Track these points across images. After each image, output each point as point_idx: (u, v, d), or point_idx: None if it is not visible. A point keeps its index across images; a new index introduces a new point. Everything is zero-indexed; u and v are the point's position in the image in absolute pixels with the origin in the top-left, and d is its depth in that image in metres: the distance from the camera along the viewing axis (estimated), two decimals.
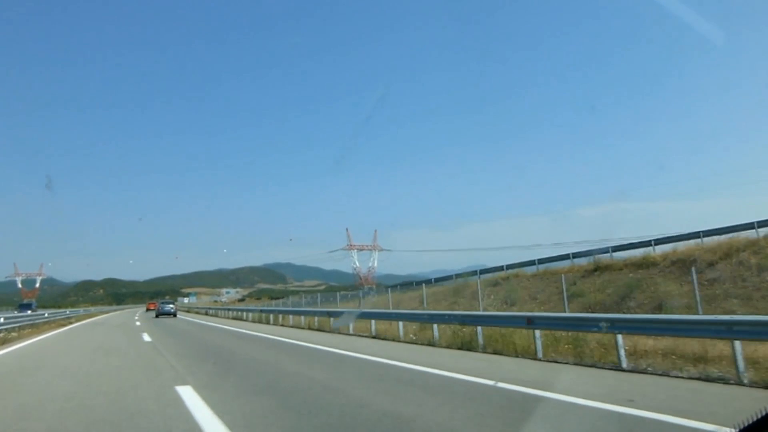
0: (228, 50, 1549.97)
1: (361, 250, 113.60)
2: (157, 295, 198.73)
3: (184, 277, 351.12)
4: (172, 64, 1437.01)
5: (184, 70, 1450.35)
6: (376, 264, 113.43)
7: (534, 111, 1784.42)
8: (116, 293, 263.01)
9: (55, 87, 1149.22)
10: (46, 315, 31.12)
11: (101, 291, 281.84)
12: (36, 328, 22.88)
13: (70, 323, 31.30)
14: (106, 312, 64.63)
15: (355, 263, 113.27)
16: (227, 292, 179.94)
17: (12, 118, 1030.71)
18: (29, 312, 31.40)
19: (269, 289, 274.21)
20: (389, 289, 35.58)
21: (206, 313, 52.76)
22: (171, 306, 43.92)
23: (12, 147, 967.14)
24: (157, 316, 41.01)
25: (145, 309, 68.79)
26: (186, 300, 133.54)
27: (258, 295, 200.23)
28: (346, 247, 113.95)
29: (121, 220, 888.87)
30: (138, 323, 28.93)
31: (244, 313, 36.53)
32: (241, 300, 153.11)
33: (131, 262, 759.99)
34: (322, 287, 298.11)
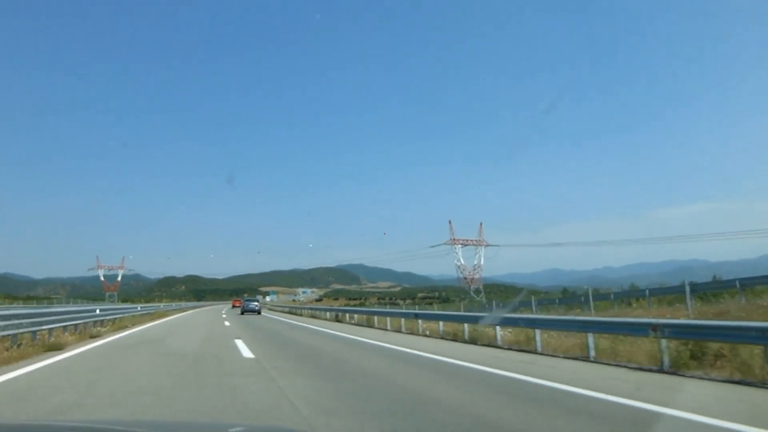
0: (330, 42, 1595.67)
1: (466, 245, 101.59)
2: (236, 292, 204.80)
3: (261, 275, 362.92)
4: (276, 58, 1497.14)
5: (284, 64, 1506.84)
6: (482, 261, 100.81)
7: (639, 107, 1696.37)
8: (197, 290, 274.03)
9: (136, 87, 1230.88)
10: (139, 308, 30.81)
11: (183, 287, 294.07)
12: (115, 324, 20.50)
13: (147, 322, 26.30)
14: (187, 309, 55.85)
15: (459, 260, 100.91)
16: (304, 292, 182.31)
17: (101, 116, 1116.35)
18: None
19: (344, 290, 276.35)
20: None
21: (293, 312, 51.08)
22: (255, 303, 44.02)
23: (96, 141, 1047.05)
24: (242, 313, 40.70)
25: (230, 306, 70.85)
26: (267, 298, 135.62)
27: (335, 295, 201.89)
28: (448, 241, 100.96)
29: (201, 218, 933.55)
30: (227, 324, 23.80)
31: (346, 315, 31.19)
32: (319, 300, 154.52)
33: (212, 256, 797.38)
34: (397, 289, 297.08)
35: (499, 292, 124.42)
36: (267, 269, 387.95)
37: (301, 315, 43.06)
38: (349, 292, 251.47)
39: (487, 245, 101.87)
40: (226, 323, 24.79)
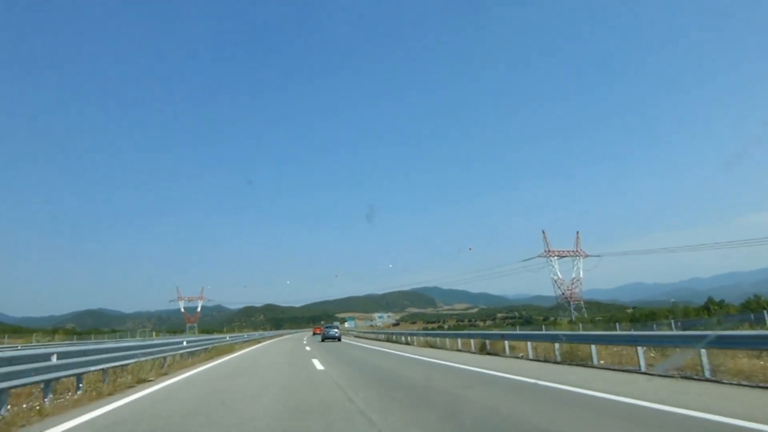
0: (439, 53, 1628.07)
1: (563, 257, 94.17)
2: (313, 320, 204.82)
3: (336, 302, 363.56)
4: (371, 72, 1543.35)
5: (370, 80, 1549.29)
6: (582, 274, 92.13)
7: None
8: (275, 318, 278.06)
9: (207, 122, 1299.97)
10: (228, 338, 27.17)
11: (261, 316, 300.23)
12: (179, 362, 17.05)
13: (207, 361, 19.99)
14: (266, 338, 52.45)
15: (556, 273, 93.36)
16: (380, 317, 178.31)
17: (170, 151, 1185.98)
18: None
19: (421, 313, 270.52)
20: None
21: (383, 339, 46.37)
22: (336, 330, 43.94)
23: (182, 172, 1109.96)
24: (322, 340, 40.50)
25: (311, 333, 73.95)
26: (346, 324, 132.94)
27: (411, 319, 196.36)
28: (543, 253, 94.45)
29: (277, 249, 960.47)
30: (320, 368, 19.07)
31: (437, 339, 27.71)
32: (396, 324, 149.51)
33: (288, 282, 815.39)
34: (474, 310, 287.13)
35: (595, 309, 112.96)
36: (342, 295, 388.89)
37: (395, 342, 38.45)
38: (425, 316, 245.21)
39: (587, 256, 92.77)
40: (318, 366, 18.01)
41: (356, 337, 58.77)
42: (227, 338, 31.90)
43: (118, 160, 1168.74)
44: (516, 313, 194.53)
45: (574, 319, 73.98)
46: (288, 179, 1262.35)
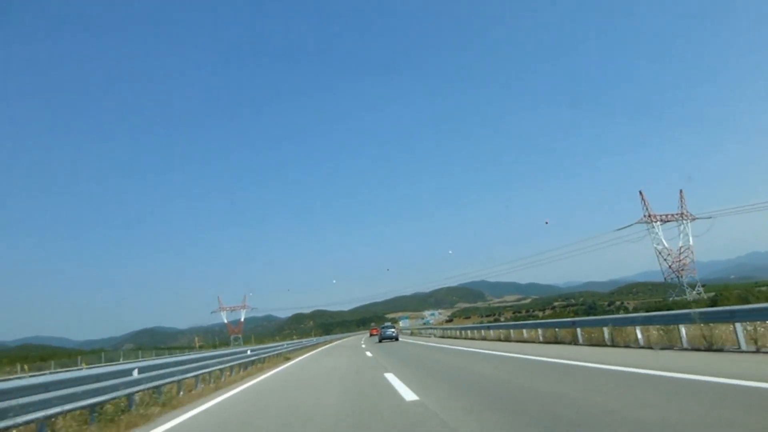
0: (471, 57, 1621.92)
1: (666, 221, 76.79)
2: (362, 323, 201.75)
3: (384, 303, 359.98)
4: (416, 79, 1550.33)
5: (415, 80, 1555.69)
6: (691, 242, 74.10)
7: None
8: (324, 323, 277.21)
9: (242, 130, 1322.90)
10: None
11: (311, 322, 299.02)
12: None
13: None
14: (312, 346, 43.68)
15: (661, 242, 76.58)
16: (431, 314, 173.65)
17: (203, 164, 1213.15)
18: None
19: (472, 308, 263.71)
20: None
21: (450, 336, 42.20)
22: (392, 330, 43.32)
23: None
24: (380, 341, 39.98)
25: (368, 335, 73.27)
26: (400, 324, 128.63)
27: (464, 314, 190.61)
28: (643, 218, 77.54)
29: (320, 254, 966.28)
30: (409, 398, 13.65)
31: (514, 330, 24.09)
32: (449, 320, 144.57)
33: (334, 282, 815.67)
34: (527, 301, 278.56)
35: (711, 287, 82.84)
36: (389, 296, 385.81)
37: (459, 338, 34.16)
38: (477, 310, 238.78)
39: (694, 219, 75.27)
40: (405, 395, 13.79)
41: (412, 335, 56.46)
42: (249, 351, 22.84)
43: (149, 180, 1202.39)
44: (572, 300, 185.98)
45: (695, 296, 62.64)
46: (317, 178, 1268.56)
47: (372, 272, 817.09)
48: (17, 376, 29.65)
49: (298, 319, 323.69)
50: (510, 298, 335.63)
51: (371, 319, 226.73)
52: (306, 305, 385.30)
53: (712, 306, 22.80)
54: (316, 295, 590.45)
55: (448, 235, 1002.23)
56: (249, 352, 18.74)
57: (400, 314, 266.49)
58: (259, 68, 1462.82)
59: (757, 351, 9.25)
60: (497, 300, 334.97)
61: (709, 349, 10.38)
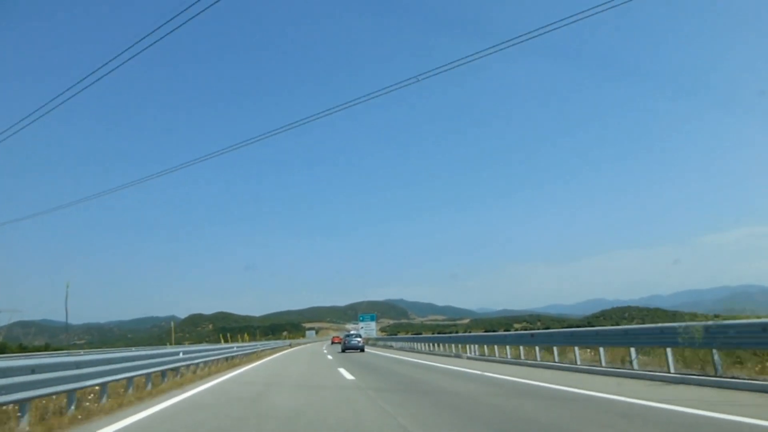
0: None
1: None
2: (273, 330, 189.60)
3: (300, 312, 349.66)
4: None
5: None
6: None
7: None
8: (225, 328, 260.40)
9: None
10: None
11: (210, 326, 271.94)
12: None
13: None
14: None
15: None
16: (362, 325, 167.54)
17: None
18: None
19: (401, 324, 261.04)
20: None
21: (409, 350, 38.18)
22: (358, 339, 37.95)
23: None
24: (343, 351, 35.21)
25: (330, 342, 71.07)
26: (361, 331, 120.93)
27: (392, 331, 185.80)
28: None
29: (230, 260, 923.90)
30: None
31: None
32: (385, 332, 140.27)
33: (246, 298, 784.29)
34: (449, 321, 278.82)
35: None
36: (304, 306, 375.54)
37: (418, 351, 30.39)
38: (410, 326, 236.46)
39: None
40: None
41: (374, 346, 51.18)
42: None
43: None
44: (539, 323, 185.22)
45: None
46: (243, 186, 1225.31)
47: (287, 284, 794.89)
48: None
49: (195, 320, 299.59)
50: (434, 317, 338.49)
51: (285, 327, 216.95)
52: (207, 308, 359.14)
53: None
54: (224, 298, 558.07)
55: (366, 252, 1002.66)
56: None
57: (319, 324, 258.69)
58: (236, 63, 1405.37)
59: None
60: (420, 318, 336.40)
61: None
